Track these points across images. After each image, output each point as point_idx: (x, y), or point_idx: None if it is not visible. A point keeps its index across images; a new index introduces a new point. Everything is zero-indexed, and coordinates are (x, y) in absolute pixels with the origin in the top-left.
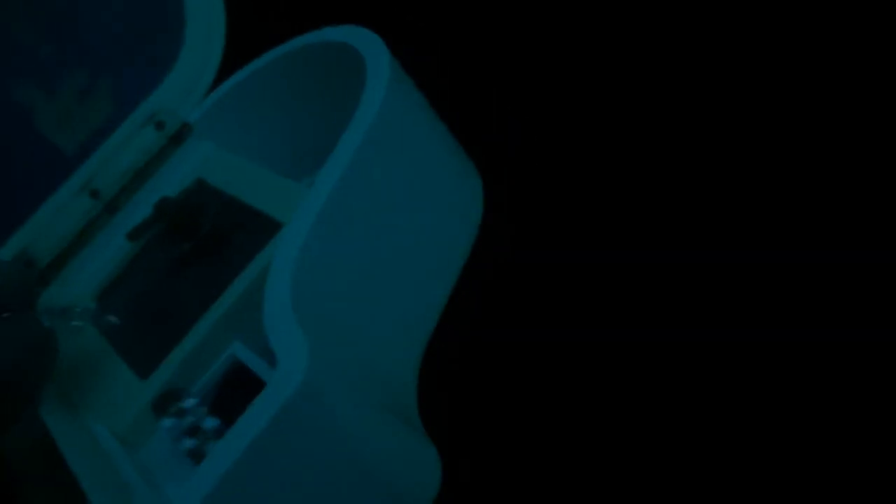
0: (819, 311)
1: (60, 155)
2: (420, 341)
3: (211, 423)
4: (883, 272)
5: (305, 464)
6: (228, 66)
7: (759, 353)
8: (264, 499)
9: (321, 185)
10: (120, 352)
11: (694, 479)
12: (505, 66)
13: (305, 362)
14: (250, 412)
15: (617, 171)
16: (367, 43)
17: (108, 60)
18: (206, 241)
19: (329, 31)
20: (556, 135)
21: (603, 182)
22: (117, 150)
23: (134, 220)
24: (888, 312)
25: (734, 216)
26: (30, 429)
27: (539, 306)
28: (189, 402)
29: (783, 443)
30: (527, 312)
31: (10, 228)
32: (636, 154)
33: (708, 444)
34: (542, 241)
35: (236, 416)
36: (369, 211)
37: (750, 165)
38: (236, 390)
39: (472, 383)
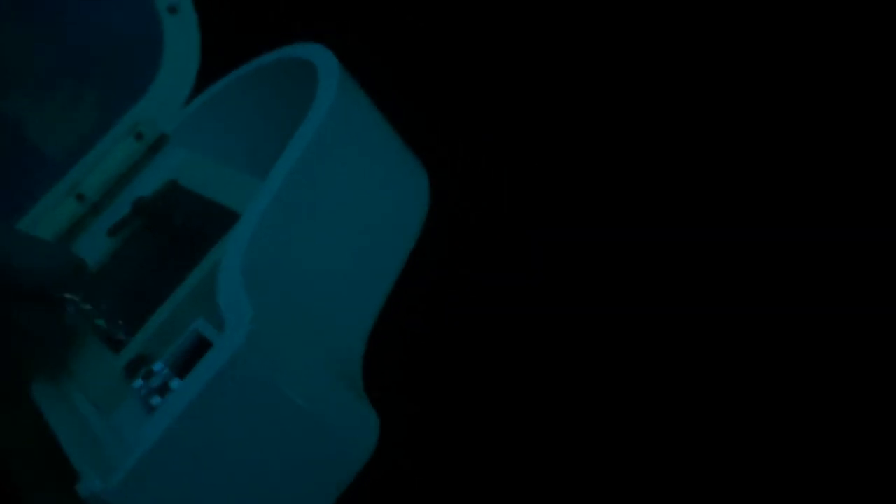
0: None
1: (49, 160)
2: (368, 317)
3: (176, 383)
4: None
5: (249, 415)
6: (205, 78)
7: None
8: (211, 444)
9: (272, 178)
10: (95, 328)
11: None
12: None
13: (248, 324)
14: (200, 367)
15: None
16: (320, 57)
17: (93, 75)
18: (178, 233)
19: (290, 48)
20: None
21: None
22: (101, 157)
23: (115, 219)
24: None
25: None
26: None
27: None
28: (157, 366)
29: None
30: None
31: None
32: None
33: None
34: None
35: None
36: (317, 200)
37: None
38: (198, 358)
39: (425, 356)
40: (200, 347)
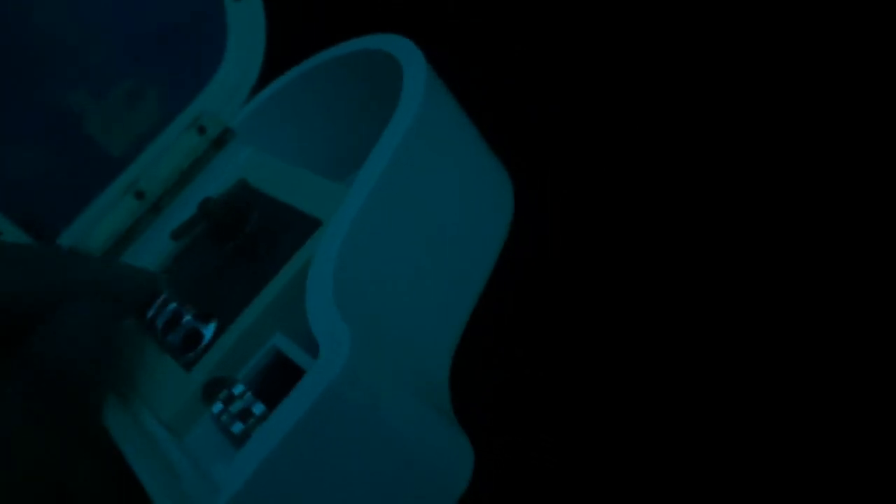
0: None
1: (108, 157)
2: (454, 333)
3: (259, 408)
4: None
5: (345, 448)
6: (269, 71)
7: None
8: (305, 479)
9: (360, 184)
10: (164, 345)
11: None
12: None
13: (347, 349)
14: (293, 396)
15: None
16: (404, 51)
17: (155, 68)
18: (249, 239)
19: (368, 39)
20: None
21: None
22: (161, 153)
23: (178, 220)
24: None
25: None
26: None
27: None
28: (238, 389)
29: None
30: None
31: (59, 227)
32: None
33: None
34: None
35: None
36: (405, 210)
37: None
38: (279, 379)
39: (501, 377)
40: (281, 366)
